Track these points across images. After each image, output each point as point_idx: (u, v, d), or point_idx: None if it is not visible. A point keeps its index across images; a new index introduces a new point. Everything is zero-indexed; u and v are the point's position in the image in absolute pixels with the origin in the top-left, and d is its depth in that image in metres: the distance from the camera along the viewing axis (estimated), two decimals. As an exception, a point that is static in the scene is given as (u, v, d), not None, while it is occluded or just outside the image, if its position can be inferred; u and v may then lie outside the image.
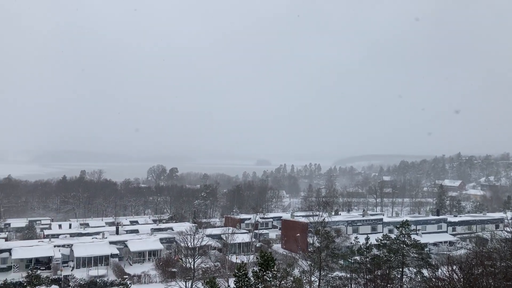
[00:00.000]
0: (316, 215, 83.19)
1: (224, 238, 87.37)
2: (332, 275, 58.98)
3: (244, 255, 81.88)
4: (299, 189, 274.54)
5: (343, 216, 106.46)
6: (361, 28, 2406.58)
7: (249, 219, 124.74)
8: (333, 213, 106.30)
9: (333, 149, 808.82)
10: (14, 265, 74.83)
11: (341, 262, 63.37)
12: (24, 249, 77.07)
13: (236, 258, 74.85)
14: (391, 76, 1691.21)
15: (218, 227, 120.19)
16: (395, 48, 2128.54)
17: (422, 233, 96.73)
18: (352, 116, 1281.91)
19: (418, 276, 56.01)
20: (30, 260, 75.31)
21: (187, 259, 64.65)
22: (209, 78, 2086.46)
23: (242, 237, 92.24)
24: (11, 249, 76.65)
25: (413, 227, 74.77)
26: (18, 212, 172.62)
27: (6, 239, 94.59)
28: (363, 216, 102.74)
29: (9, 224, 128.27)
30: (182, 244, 70.82)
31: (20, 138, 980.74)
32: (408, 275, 58.55)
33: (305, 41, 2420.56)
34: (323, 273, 57.97)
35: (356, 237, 69.42)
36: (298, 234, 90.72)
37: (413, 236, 65.03)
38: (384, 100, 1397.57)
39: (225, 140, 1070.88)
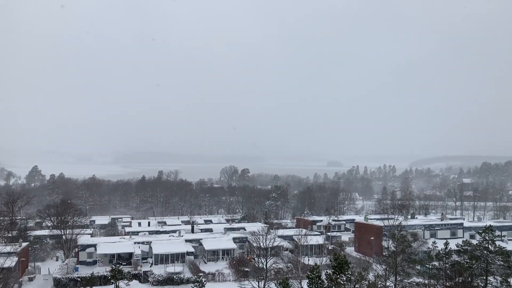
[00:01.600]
0: (391, 218, 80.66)
1: (296, 240, 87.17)
2: (408, 281, 56.84)
3: (316, 257, 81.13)
4: (373, 192, 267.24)
5: (420, 220, 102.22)
6: (429, 23, 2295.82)
7: (321, 221, 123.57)
8: (409, 216, 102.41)
9: (408, 150, 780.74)
10: (99, 260, 79.79)
11: (418, 267, 60.86)
12: (107, 245, 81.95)
13: (308, 260, 74.34)
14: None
15: (289, 228, 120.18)
16: (471, 43, 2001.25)
17: (508, 239, 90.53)
18: (429, 116, 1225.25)
19: (504, 286, 52.39)
20: (113, 255, 79.86)
21: (259, 259, 65.33)
22: (278, 78, 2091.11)
23: (315, 239, 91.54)
24: (96, 244, 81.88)
25: (497, 233, 70.19)
26: (102, 210, 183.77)
27: (92, 235, 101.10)
28: (441, 220, 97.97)
29: (94, 221, 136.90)
30: (255, 244, 71.62)
31: (103, 140, 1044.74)
32: (493, 284, 54.90)
33: (371, 37, 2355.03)
34: (399, 278, 56.04)
35: (434, 242, 66.34)
36: (372, 238, 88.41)
37: (498, 243, 60.94)
38: (463, 98, 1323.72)
39: (296, 141, 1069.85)
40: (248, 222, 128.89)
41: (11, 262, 63.10)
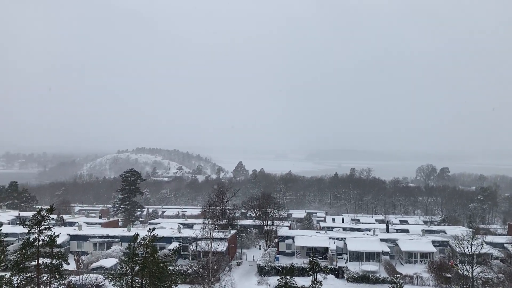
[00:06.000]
0: None
1: (510, 249, 77.16)
2: None
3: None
4: None
5: None
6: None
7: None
8: None
9: None
10: (296, 251, 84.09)
11: None
12: (304, 238, 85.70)
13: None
14: None
15: (499, 234, 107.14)
16: None
17: None
18: None
19: None
20: (309, 248, 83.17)
21: (463, 266, 60.04)
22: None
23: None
24: (294, 237, 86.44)
25: None
26: (298, 204, 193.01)
27: (289, 228, 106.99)
28: None
29: (291, 214, 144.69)
30: (458, 250, 66.06)
31: (297, 138, 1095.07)
32: None
33: None
34: None
35: None
36: None
37: None
38: None
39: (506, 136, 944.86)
40: (448, 225, 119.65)
41: (223, 247, 71.23)
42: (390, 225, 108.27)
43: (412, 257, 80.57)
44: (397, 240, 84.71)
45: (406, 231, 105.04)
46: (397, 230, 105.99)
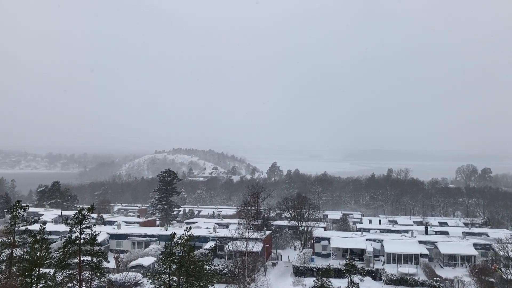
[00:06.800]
0: None
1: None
2: None
3: None
4: None
5: None
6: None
7: None
8: None
9: None
10: (332, 253, 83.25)
11: None
12: (340, 239, 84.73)
13: None
14: None
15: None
16: None
17: None
18: None
19: None
20: (345, 250, 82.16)
21: (507, 270, 57.88)
22: None
23: None
24: (329, 238, 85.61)
25: None
26: (333, 205, 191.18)
27: (325, 229, 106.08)
28: None
29: (326, 215, 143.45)
30: (501, 253, 63.76)
31: (332, 138, 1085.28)
32: None
33: None
34: None
35: None
36: None
37: None
38: None
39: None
40: (491, 227, 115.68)
41: (258, 247, 71.41)
42: (429, 227, 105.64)
43: (452, 260, 78.33)
44: (436, 242, 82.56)
45: (446, 233, 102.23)
46: (436, 232, 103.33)
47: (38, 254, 39.39)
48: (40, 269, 38.93)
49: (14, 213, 43.77)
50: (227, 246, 74.39)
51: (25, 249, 42.29)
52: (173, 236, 42.21)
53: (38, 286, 37.94)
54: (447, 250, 78.77)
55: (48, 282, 38.24)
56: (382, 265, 76.55)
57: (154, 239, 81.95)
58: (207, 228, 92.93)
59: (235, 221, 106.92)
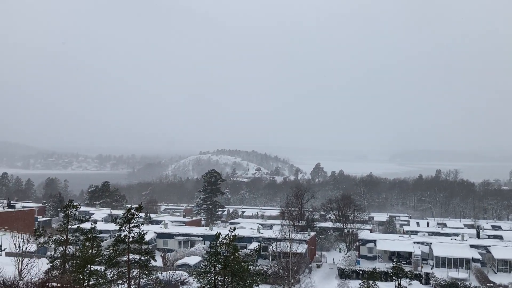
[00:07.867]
0: None
1: None
2: None
3: None
4: None
5: None
6: None
7: None
8: None
9: None
10: (378, 255, 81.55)
11: None
12: (386, 242, 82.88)
13: None
14: None
15: None
16: None
17: None
18: None
19: None
20: (392, 252, 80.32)
21: None
22: None
23: None
24: (375, 240, 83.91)
25: None
26: (379, 207, 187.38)
27: (371, 231, 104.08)
28: None
29: (372, 217, 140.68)
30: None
31: (378, 139, 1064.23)
32: None
33: None
34: None
35: None
36: None
37: None
38: None
39: None
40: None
41: (302, 248, 70.96)
42: (480, 230, 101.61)
43: (507, 265, 74.85)
44: (489, 246, 79.13)
45: (500, 237, 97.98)
46: (489, 236, 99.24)
47: (90, 251, 40.91)
48: (92, 266, 40.39)
49: (67, 212, 45.51)
50: (271, 247, 74.43)
51: (77, 247, 43.98)
52: (218, 236, 42.65)
53: (90, 282, 39.38)
54: (502, 255, 75.33)
55: (99, 279, 39.61)
56: (431, 269, 74.24)
57: (199, 238, 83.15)
58: (251, 228, 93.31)
59: (279, 222, 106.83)
